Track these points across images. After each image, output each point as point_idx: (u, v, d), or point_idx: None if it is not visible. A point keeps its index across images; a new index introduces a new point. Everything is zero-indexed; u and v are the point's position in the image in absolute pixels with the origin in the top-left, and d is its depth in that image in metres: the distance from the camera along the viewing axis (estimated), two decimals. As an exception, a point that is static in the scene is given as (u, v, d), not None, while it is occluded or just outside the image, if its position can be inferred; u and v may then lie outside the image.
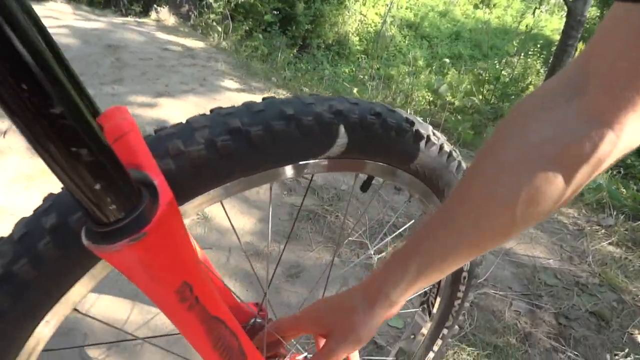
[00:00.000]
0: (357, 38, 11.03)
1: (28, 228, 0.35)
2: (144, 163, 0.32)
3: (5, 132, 1.78)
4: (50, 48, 0.32)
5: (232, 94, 2.21)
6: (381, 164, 0.51)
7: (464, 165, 0.61)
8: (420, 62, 10.69)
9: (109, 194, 0.26)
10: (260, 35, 4.28)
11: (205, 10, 3.98)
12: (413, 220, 1.05)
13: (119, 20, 3.44)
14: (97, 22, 3.28)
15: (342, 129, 0.45)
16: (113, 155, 0.27)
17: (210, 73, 2.43)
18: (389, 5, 10.01)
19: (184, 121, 0.40)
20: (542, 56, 7.72)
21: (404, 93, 2.80)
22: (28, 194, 1.48)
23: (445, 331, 0.80)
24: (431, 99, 2.45)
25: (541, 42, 9.07)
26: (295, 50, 7.83)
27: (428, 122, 1.93)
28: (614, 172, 2.00)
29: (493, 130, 1.14)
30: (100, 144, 0.25)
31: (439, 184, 0.58)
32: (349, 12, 10.26)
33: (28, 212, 0.38)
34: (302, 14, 8.13)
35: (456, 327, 0.82)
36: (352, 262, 1.26)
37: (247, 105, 0.42)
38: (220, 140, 0.38)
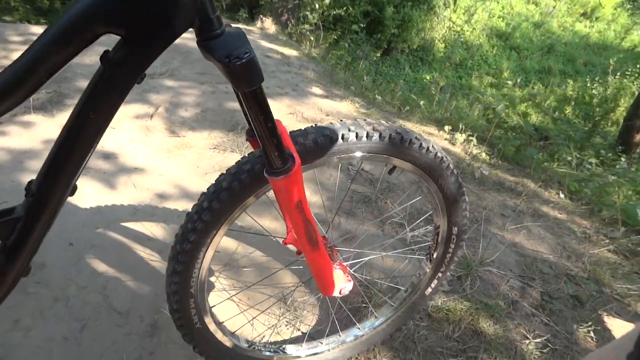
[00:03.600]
0: (443, 45, 11.02)
1: (237, 169, 0.86)
2: (290, 146, 0.81)
3: (152, 115, 2.44)
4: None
5: (317, 99, 2.73)
6: (399, 160, 0.96)
7: (452, 166, 1.04)
8: (506, 74, 10.54)
9: (280, 155, 0.76)
10: (346, 44, 4.78)
11: (302, 20, 4.56)
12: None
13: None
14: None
15: (376, 138, 0.91)
16: (281, 139, 0.76)
17: (302, 80, 2.97)
18: (470, 12, 9.89)
19: (303, 128, 0.89)
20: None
21: (464, 109, 3.12)
22: (168, 162, 2.09)
23: (439, 274, 1.23)
24: (490, 116, 2.77)
25: (643, 61, 8.60)
26: (379, 54, 8.19)
27: (475, 135, 2.29)
28: None
29: (533, 150, 1.61)
30: (277, 134, 0.74)
31: (432, 173, 1.02)
32: (437, 18, 10.36)
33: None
34: (390, 18, 8.42)
35: (448, 273, 1.24)
36: (392, 236, 1.71)
37: (320, 127, 0.89)
38: (319, 140, 0.86)
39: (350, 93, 3.01)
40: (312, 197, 1.82)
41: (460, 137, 2.40)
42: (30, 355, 1.17)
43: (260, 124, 0.73)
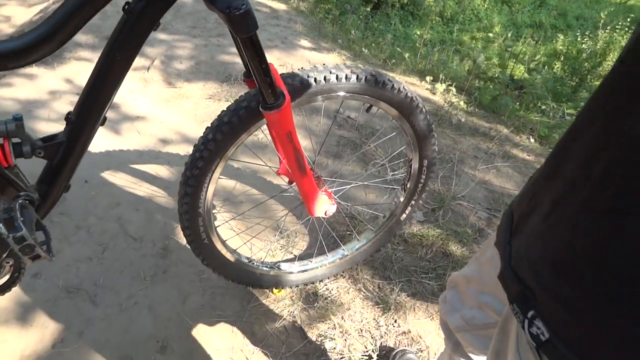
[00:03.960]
0: (433, -1, 10.83)
1: (236, 106, 1.02)
2: (281, 85, 0.97)
3: (148, 68, 2.55)
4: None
5: (306, 52, 2.84)
6: (374, 99, 1.13)
7: (421, 105, 1.21)
8: (497, 29, 10.49)
9: (272, 92, 0.92)
10: (334, -3, 4.81)
11: (289, -28, 4.54)
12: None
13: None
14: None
15: (354, 80, 1.07)
16: (273, 79, 0.92)
17: (290, 33, 3.06)
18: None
19: (293, 71, 1.05)
20: (630, 31, 7.33)
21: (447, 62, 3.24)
22: (167, 110, 2.23)
23: (413, 202, 1.43)
24: (469, 68, 2.91)
25: (633, 15, 8.60)
26: (369, 8, 8.10)
27: (454, 85, 2.45)
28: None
29: (508, 98, 1.79)
30: (270, 74, 0.90)
31: (404, 112, 1.19)
32: (429, -30, 10.16)
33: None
34: (380, -29, 8.21)
35: (420, 201, 1.44)
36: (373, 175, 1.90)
37: (306, 70, 1.05)
38: (305, 80, 1.02)
39: (338, 46, 3.12)
40: (303, 141, 1.99)
41: (440, 87, 2.56)
42: (61, 271, 1.37)
43: (256, 66, 0.88)
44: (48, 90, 2.17)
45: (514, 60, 3.24)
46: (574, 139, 0.49)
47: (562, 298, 0.44)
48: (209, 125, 1.05)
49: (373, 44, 3.57)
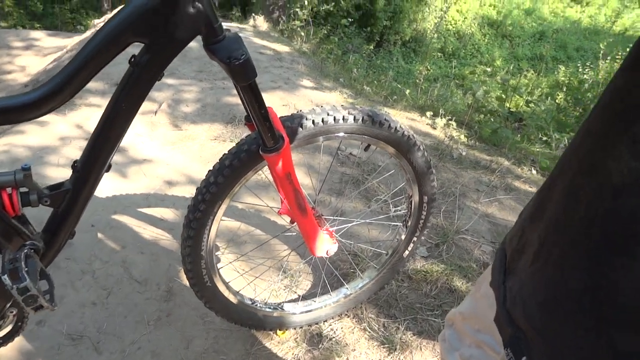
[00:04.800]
0: (435, 35, 11.18)
1: (237, 149, 1.05)
2: (280, 128, 1.00)
3: (156, 112, 2.63)
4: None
5: (308, 92, 2.91)
6: (372, 138, 1.16)
7: (418, 142, 1.23)
8: (498, 62, 10.70)
9: (272, 136, 0.95)
10: (336, 39, 4.98)
11: (292, 16, 4.73)
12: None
13: (224, 25, 4.28)
14: (208, 27, 4.14)
15: (351, 120, 1.10)
16: (272, 123, 0.95)
17: (293, 74, 3.16)
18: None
19: (292, 113, 1.08)
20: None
21: (448, 98, 3.31)
22: (173, 152, 2.29)
23: (415, 239, 1.43)
24: (469, 102, 2.96)
25: (631, 45, 8.72)
26: (371, 47, 8.36)
27: (454, 119, 2.49)
28: None
29: (508, 131, 1.82)
30: (269, 118, 0.93)
31: (402, 149, 1.21)
32: (429, 8, 10.49)
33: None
34: (382, 10, 8.53)
35: (422, 237, 1.44)
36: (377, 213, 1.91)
37: (304, 113, 1.09)
38: (303, 123, 1.05)
39: (339, 84, 3.20)
40: (304, 179, 2.02)
41: (440, 121, 2.60)
42: (65, 318, 1.37)
43: (255, 111, 0.92)
44: (59, 137, 2.24)
45: (513, 92, 3.30)
46: (557, 177, 0.50)
47: (551, 339, 0.44)
48: (211, 168, 1.08)
49: (375, 81, 3.66)
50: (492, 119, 2.83)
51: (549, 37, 12.21)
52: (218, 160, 1.07)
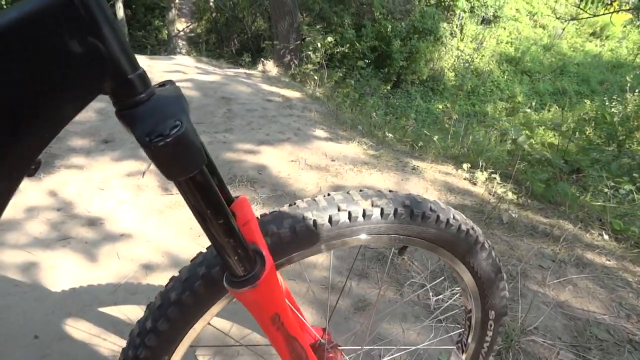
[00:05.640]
0: (453, 74, 11.03)
1: (189, 274, 0.63)
2: (258, 240, 0.59)
3: (144, 173, 2.27)
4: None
5: (321, 143, 2.53)
6: (410, 238, 0.73)
7: (481, 239, 0.80)
8: (519, 98, 10.36)
9: (240, 261, 0.53)
10: (353, 81, 4.67)
11: (305, 60, 4.47)
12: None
13: (231, 72, 4.04)
14: (214, 74, 3.88)
15: (377, 217, 0.69)
16: (241, 238, 0.53)
17: (304, 123, 2.79)
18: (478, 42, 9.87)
19: (277, 210, 0.67)
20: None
21: (481, 141, 2.89)
22: (159, 225, 1.90)
23: (476, 368, 0.97)
24: (509, 148, 2.54)
25: (658, 77, 8.40)
26: (389, 87, 8.13)
27: (498, 173, 2.05)
28: None
29: (565, 184, 1.32)
30: (235, 232, 0.52)
31: (457, 251, 0.78)
32: (445, 48, 10.34)
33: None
34: (398, 51, 8.38)
35: (487, 366, 0.98)
36: (412, 301, 1.45)
37: (300, 208, 0.67)
38: (298, 226, 0.64)
39: (358, 133, 2.81)
40: (304, 306, 1.58)
41: (481, 175, 2.16)
42: None
43: (206, 222, 0.51)
44: (26, 208, 1.88)
45: (568, 139, 2.86)
46: None
47: None
48: (149, 304, 0.66)
49: (397, 127, 3.27)
50: (538, 169, 2.38)
51: (570, 71, 11.98)
52: (159, 292, 0.65)
